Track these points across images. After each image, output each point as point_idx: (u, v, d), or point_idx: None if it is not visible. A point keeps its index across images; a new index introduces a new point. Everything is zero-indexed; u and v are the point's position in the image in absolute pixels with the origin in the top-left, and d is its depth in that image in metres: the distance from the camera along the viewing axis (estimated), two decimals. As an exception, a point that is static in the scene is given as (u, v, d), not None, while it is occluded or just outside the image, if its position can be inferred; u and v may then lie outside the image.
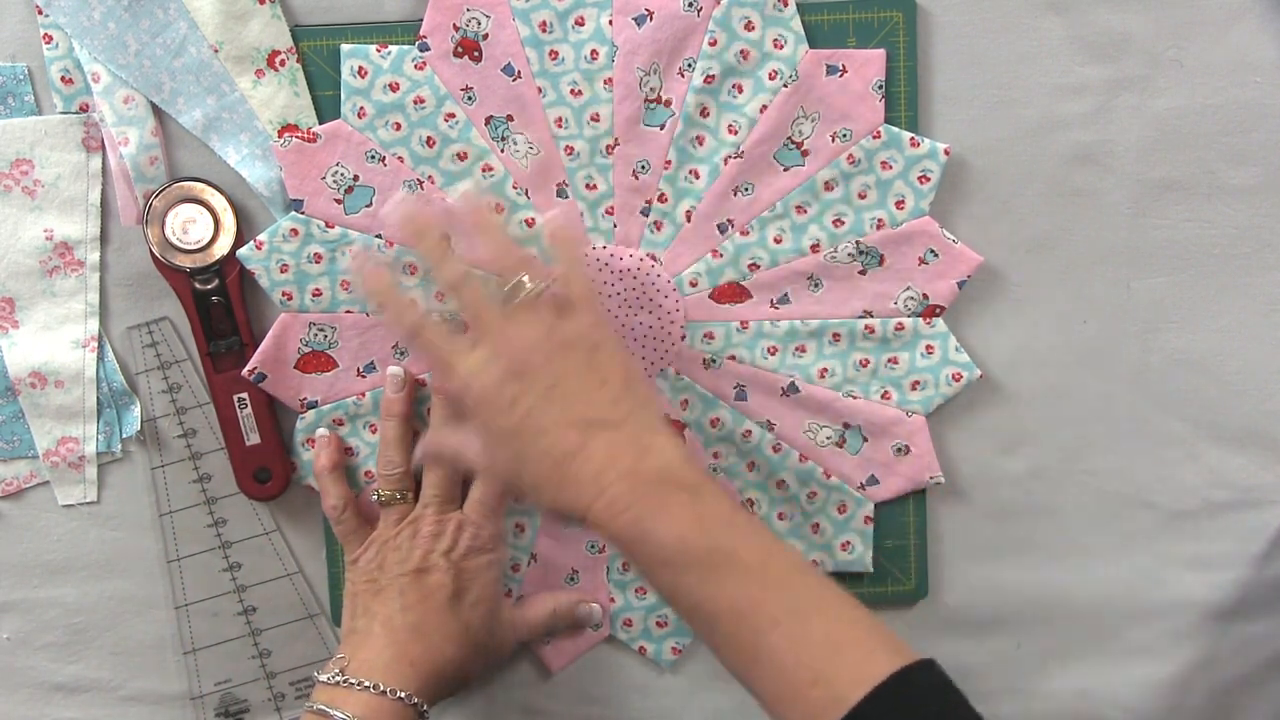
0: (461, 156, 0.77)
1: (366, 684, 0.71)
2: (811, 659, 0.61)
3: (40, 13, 0.76)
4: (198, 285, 0.78)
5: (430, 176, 0.77)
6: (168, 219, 0.77)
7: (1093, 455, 0.83)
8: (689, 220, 0.78)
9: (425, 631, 0.74)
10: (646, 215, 0.78)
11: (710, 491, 0.66)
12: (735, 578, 0.63)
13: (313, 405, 0.80)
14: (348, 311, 0.78)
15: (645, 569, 0.65)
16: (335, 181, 0.77)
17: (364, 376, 0.79)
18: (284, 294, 0.78)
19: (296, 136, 0.76)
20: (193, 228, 0.78)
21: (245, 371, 0.78)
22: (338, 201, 0.77)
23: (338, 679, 0.72)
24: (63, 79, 0.77)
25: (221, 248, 0.78)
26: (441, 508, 0.77)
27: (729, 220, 0.78)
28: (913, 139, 0.77)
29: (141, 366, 0.80)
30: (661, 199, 0.78)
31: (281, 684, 0.84)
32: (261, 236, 0.77)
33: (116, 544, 0.82)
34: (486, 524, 0.77)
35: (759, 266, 0.78)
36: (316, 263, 0.77)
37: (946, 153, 0.77)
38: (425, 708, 0.73)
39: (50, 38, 0.76)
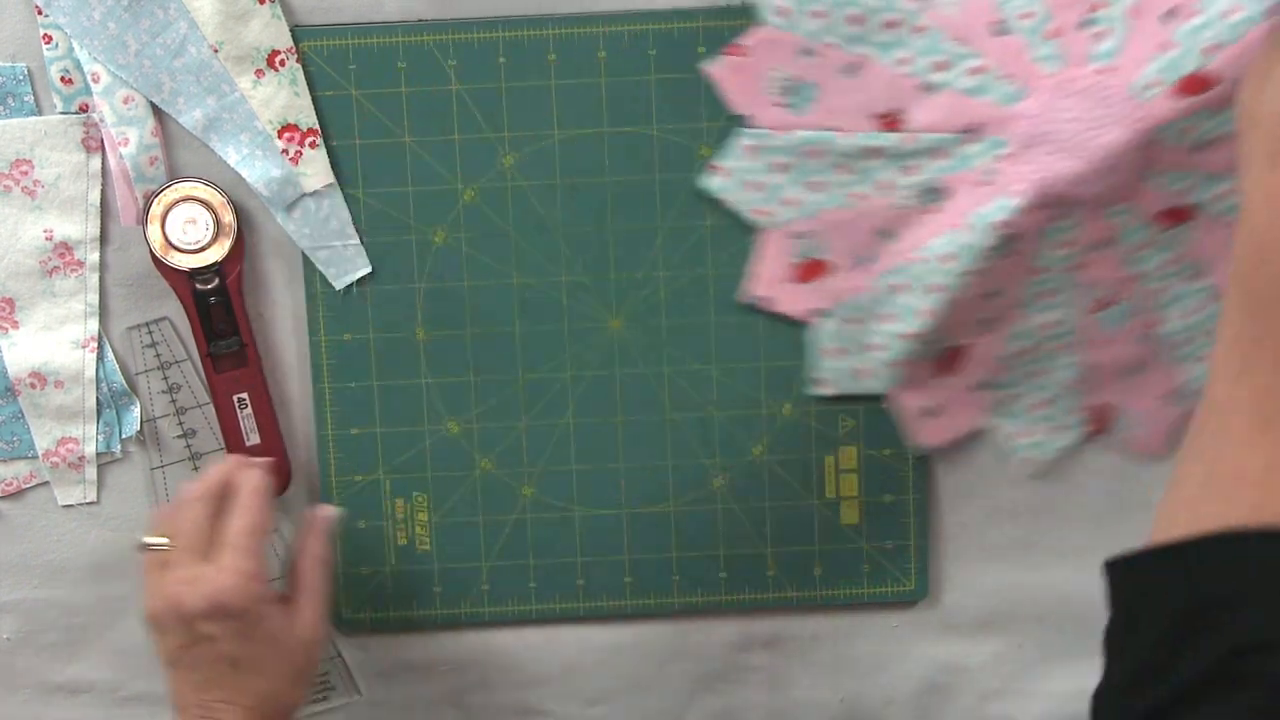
0: (892, 24, 0.75)
1: None
2: (1240, 466, 0.55)
3: (40, 13, 0.76)
4: (198, 285, 0.78)
5: (867, 55, 0.75)
6: (168, 219, 0.77)
7: (1093, 455, 0.83)
8: (1133, 19, 0.72)
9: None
10: (1088, 27, 0.73)
11: None
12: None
13: (822, 313, 0.79)
14: (827, 211, 0.78)
15: None
16: (775, 87, 0.76)
17: (861, 270, 0.78)
18: (760, 212, 0.78)
19: (729, 53, 0.76)
20: (192, 228, 0.78)
21: (749, 298, 0.78)
22: (783, 106, 0.76)
23: None
24: (63, 79, 0.77)
25: (221, 248, 0.78)
26: None
27: (1173, 8, 0.72)
28: None
29: (141, 367, 0.80)
30: (1096, 7, 0.73)
31: (281, 684, 0.84)
32: (721, 163, 0.77)
33: (116, 544, 0.82)
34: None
35: (1218, 49, 0.70)
36: (782, 172, 0.77)
37: None
38: None
39: (50, 38, 0.76)
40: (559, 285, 0.81)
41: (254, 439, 0.80)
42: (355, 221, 0.79)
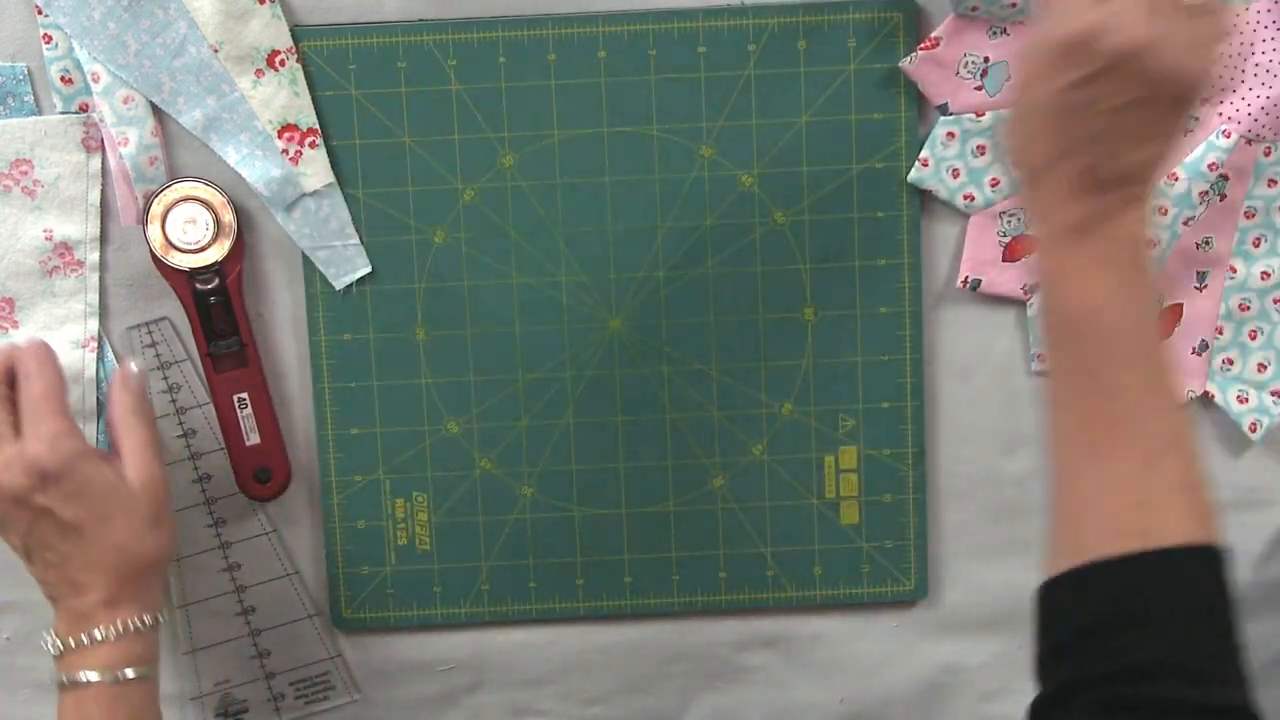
0: None
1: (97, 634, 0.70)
2: (1145, 487, 0.58)
3: (40, 13, 0.76)
4: (198, 285, 0.78)
5: None
6: (168, 219, 0.77)
7: (1093, 455, 0.83)
8: None
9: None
10: None
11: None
12: (1124, 368, 0.59)
13: (1034, 288, 0.80)
14: None
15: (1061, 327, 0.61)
16: (969, 71, 0.77)
17: None
18: (966, 197, 0.79)
19: (921, 48, 0.76)
20: (192, 228, 0.78)
21: (959, 283, 0.79)
22: (978, 89, 0.77)
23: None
24: (63, 79, 0.77)
25: (221, 248, 0.78)
26: None
27: None
28: None
29: (141, 366, 0.80)
30: None
31: (281, 684, 0.84)
32: (924, 153, 0.78)
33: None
34: None
35: None
36: (982, 155, 0.78)
37: None
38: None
39: (50, 38, 0.76)
40: (559, 285, 0.81)
41: (254, 439, 0.80)
42: (355, 221, 0.79)
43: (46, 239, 0.78)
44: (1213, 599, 0.59)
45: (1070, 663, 0.58)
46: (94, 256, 0.79)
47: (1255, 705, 0.58)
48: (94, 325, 0.79)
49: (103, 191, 0.79)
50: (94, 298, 0.79)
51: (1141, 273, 0.59)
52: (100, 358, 0.80)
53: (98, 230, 0.79)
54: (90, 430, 0.80)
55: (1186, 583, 0.58)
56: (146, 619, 0.71)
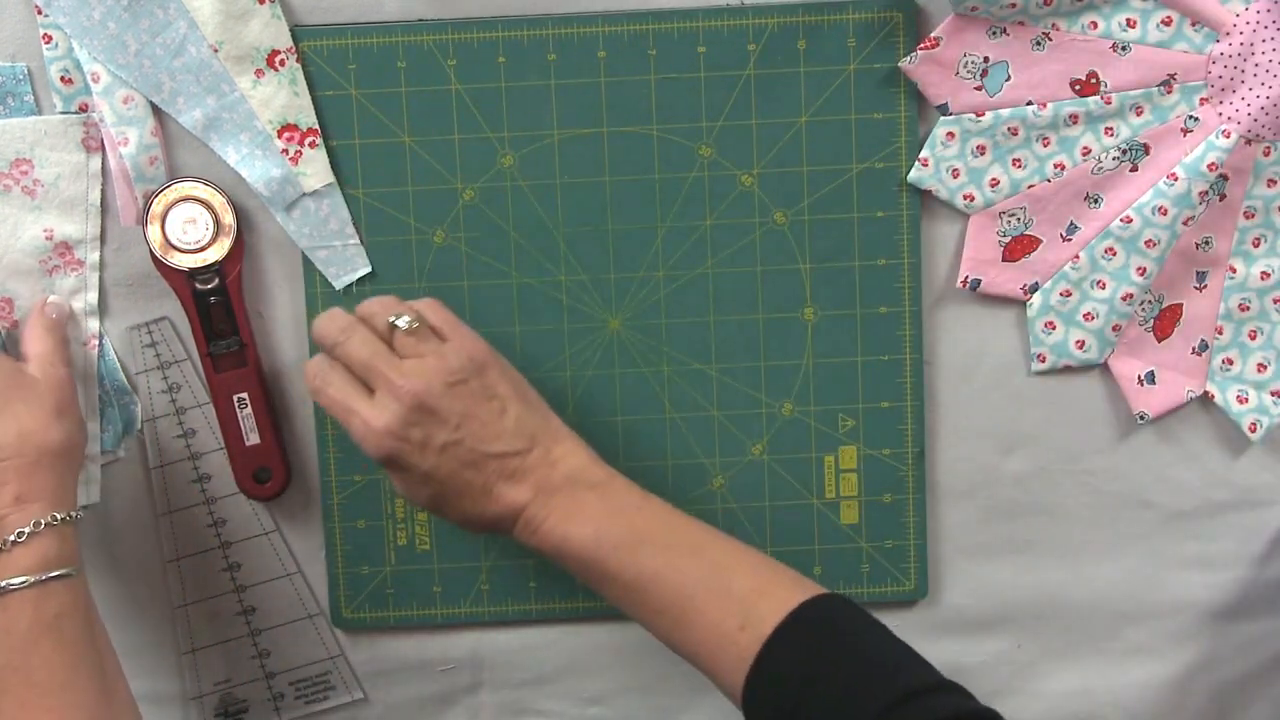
0: None
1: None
2: (738, 607, 0.68)
3: (40, 13, 0.76)
4: (198, 285, 0.78)
5: (1056, 25, 0.76)
6: (168, 219, 0.77)
7: (1092, 455, 0.83)
8: None
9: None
10: None
11: (617, 484, 0.73)
12: (655, 551, 0.70)
13: (1034, 288, 0.80)
14: (1030, 187, 0.79)
15: (575, 568, 0.71)
16: (969, 70, 0.77)
17: (1069, 240, 0.79)
18: (965, 197, 0.79)
19: (921, 48, 0.77)
20: (192, 228, 0.78)
21: (959, 283, 0.79)
22: (978, 89, 0.77)
23: None
24: (62, 79, 0.77)
25: (221, 248, 0.78)
26: None
27: None
28: None
29: (141, 366, 0.80)
30: None
31: (281, 684, 0.84)
32: (924, 154, 0.78)
33: (116, 544, 0.82)
34: None
35: None
36: (982, 155, 0.78)
37: None
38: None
39: (50, 38, 0.76)
40: (559, 285, 0.81)
41: (254, 439, 0.80)
42: (355, 221, 0.79)
43: (47, 239, 0.78)
44: (863, 618, 0.68)
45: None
46: (94, 256, 0.79)
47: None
48: (94, 325, 0.79)
49: (103, 191, 0.79)
50: (94, 297, 0.79)
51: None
52: (101, 356, 0.80)
53: (98, 230, 0.79)
54: (94, 427, 0.80)
55: (836, 622, 0.67)
56: (59, 515, 0.70)
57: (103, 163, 0.78)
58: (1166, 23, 0.76)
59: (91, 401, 0.80)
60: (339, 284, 0.80)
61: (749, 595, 0.68)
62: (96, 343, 0.79)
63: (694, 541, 0.71)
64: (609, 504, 0.71)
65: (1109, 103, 0.77)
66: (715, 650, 0.68)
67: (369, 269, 0.80)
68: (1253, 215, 0.78)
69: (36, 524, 0.69)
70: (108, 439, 0.80)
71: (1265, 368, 0.81)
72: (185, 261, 0.78)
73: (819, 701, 0.64)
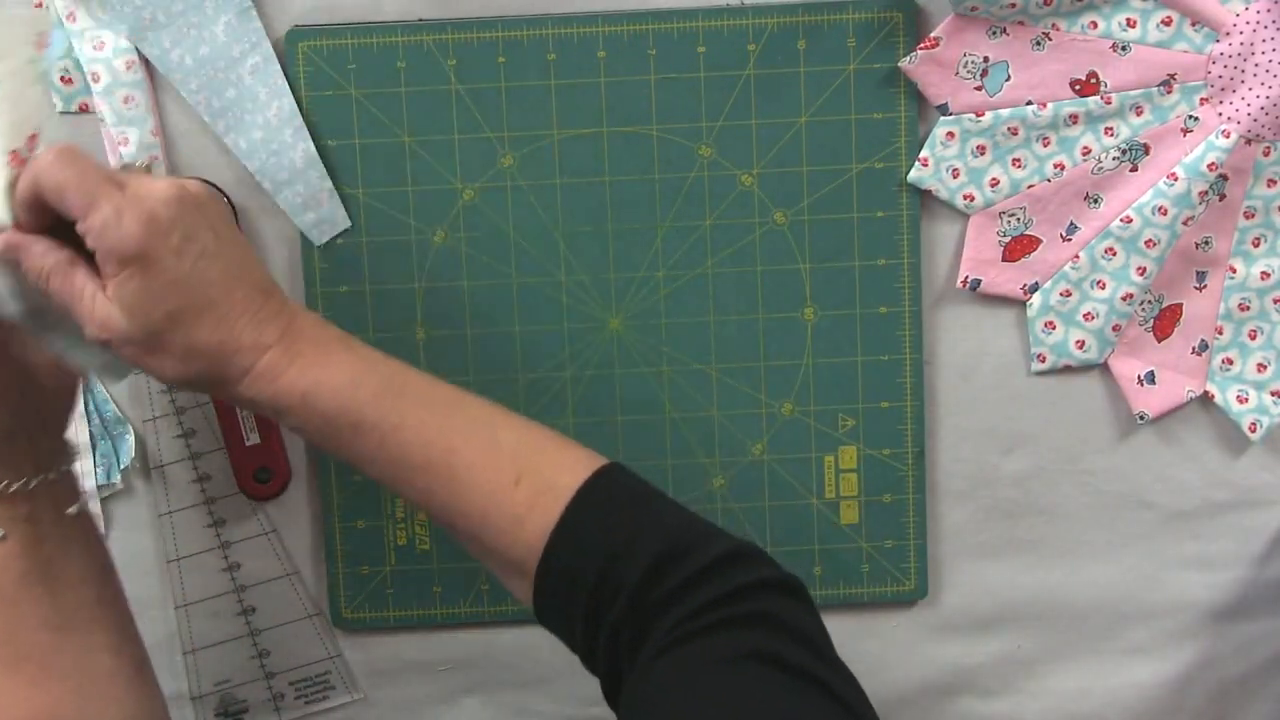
0: None
1: None
2: (510, 461, 0.64)
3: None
4: (197, 285, 0.78)
5: (1055, 25, 0.76)
6: (167, 219, 0.77)
7: (1092, 455, 0.83)
8: None
9: None
10: None
11: (358, 341, 0.67)
12: (415, 404, 0.64)
13: (1034, 288, 0.80)
14: (1030, 187, 0.79)
15: (318, 423, 0.64)
16: (969, 71, 0.77)
17: (1069, 240, 0.79)
18: (965, 197, 0.79)
19: (921, 48, 0.77)
20: (192, 228, 0.77)
21: (959, 283, 0.79)
22: (978, 89, 0.77)
23: None
24: (62, 79, 0.77)
25: (221, 248, 0.78)
26: None
27: None
28: None
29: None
30: None
31: (281, 684, 0.84)
32: (923, 153, 0.78)
33: (116, 544, 0.82)
34: None
35: None
36: (982, 155, 0.78)
37: None
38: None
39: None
40: (559, 285, 0.81)
41: (254, 439, 0.80)
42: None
43: (46, 239, 0.78)
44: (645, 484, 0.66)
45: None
46: (94, 256, 0.79)
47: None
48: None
49: (103, 191, 0.78)
50: (94, 298, 0.79)
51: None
52: (89, 391, 0.79)
53: (98, 230, 0.79)
54: (84, 465, 0.79)
55: (620, 491, 0.65)
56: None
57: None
58: (1166, 23, 0.76)
59: (83, 436, 0.79)
60: (319, 240, 0.79)
61: (521, 449, 0.64)
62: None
63: (450, 397, 0.67)
64: (359, 354, 0.65)
65: (1109, 103, 0.77)
66: (487, 512, 0.63)
67: (348, 224, 0.79)
68: (1253, 215, 0.78)
69: None
70: (102, 474, 0.80)
71: (1265, 368, 0.81)
72: (185, 261, 0.78)
73: (625, 569, 0.61)
